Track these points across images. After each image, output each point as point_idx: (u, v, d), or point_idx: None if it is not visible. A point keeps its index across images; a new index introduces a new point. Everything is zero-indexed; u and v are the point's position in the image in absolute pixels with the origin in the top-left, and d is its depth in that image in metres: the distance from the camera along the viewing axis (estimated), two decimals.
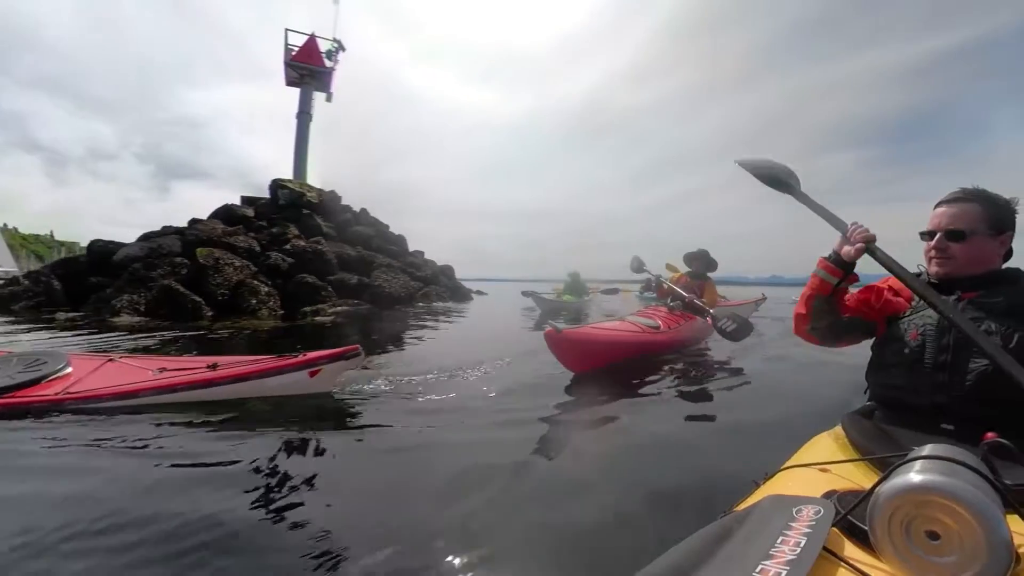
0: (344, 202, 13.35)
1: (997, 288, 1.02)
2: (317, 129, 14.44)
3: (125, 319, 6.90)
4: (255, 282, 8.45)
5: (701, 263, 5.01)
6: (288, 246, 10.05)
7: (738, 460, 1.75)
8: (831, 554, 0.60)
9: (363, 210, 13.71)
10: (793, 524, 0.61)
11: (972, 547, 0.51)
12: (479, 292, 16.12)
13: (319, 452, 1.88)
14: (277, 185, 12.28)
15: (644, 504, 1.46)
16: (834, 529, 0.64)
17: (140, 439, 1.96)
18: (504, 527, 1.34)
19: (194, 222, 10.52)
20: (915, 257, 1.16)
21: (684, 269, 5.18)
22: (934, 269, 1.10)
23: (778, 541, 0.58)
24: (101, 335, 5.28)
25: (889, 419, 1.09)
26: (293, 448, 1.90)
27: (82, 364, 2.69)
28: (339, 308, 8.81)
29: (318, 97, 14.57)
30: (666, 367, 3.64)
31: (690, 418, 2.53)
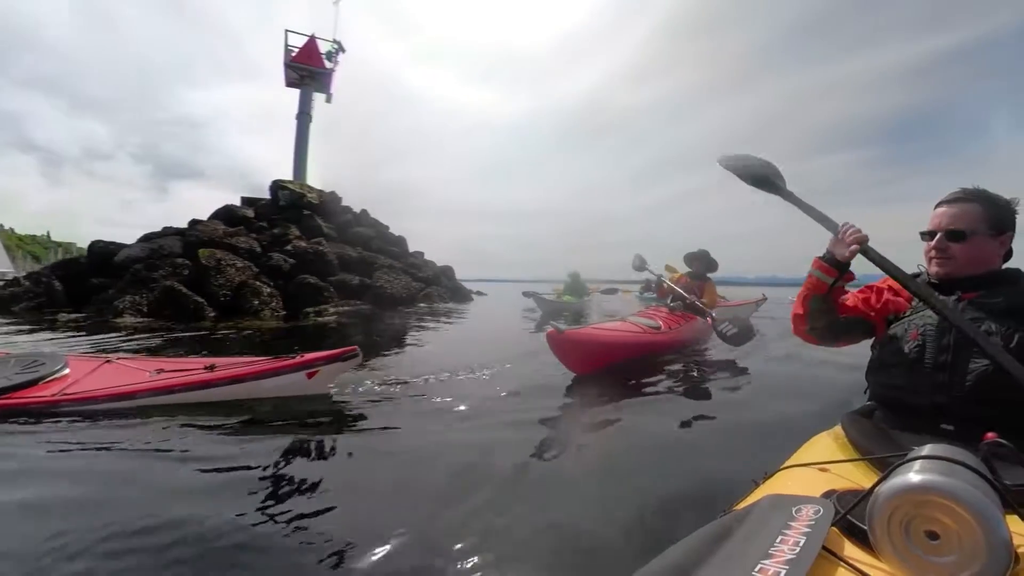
0: (344, 203, 13.36)
1: (997, 289, 1.02)
2: (317, 130, 14.47)
3: (128, 320, 6.90)
4: (257, 283, 8.46)
5: (701, 264, 5.01)
6: (289, 247, 10.05)
7: (738, 459, 1.75)
8: (830, 554, 0.60)
9: (363, 211, 13.72)
10: (792, 523, 0.61)
11: (971, 547, 0.51)
12: (479, 293, 16.12)
13: (316, 454, 1.88)
14: (278, 186, 12.29)
15: (644, 503, 1.46)
16: (833, 529, 0.64)
17: (136, 441, 1.95)
18: (505, 527, 1.34)
19: (195, 223, 10.53)
20: (913, 258, 1.15)
21: (684, 269, 5.18)
22: (934, 269, 1.10)
23: (777, 540, 0.58)
24: (106, 336, 5.27)
25: (889, 419, 1.09)
26: (290, 450, 1.90)
27: (80, 365, 2.69)
28: (342, 308, 8.82)
29: (318, 98, 14.59)
30: (666, 367, 3.64)
31: (690, 418, 2.53)
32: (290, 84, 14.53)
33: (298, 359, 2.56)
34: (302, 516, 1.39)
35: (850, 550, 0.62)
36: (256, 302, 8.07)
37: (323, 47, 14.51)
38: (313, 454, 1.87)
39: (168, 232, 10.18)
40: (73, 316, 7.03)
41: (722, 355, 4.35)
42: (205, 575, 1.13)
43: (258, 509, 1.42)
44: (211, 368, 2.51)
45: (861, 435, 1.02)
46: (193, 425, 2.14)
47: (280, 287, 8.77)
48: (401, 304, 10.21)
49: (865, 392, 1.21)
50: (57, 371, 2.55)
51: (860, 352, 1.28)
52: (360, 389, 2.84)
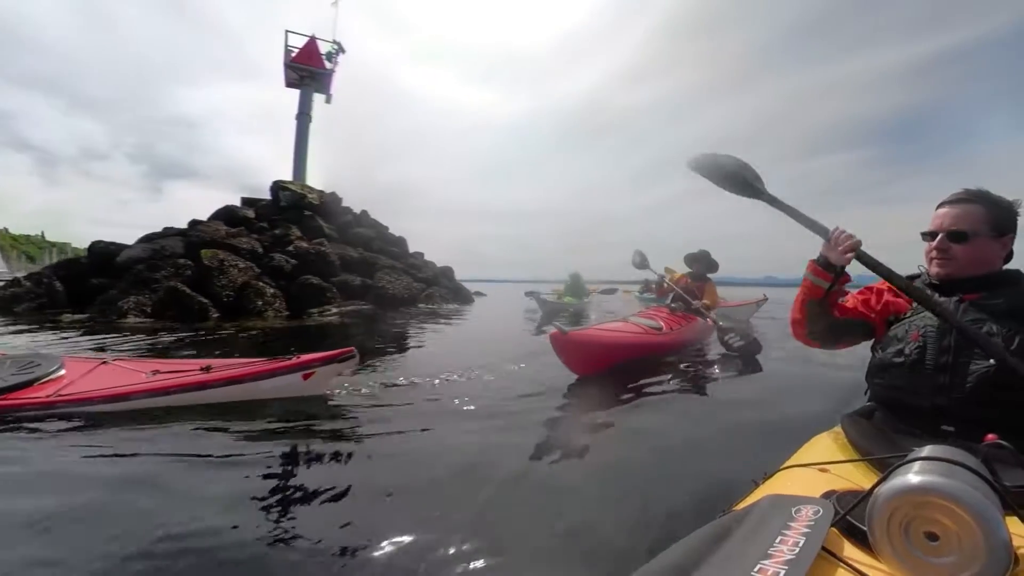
0: (344, 204, 13.37)
1: (998, 290, 1.02)
2: (316, 130, 14.48)
3: (133, 321, 6.91)
4: (260, 283, 8.47)
5: (702, 264, 5.00)
6: (291, 248, 10.05)
7: (737, 460, 1.75)
8: (830, 554, 0.60)
9: (364, 212, 13.72)
10: (792, 524, 0.61)
11: (971, 548, 0.51)
12: (479, 293, 16.12)
13: (313, 456, 1.87)
14: (278, 187, 12.29)
15: (644, 503, 1.46)
16: (833, 529, 0.64)
17: (131, 442, 1.94)
18: (505, 527, 1.34)
19: (195, 223, 10.54)
20: (911, 258, 1.14)
21: (683, 270, 5.16)
22: (935, 270, 1.09)
23: (777, 541, 0.58)
24: (114, 337, 5.26)
25: (889, 420, 1.09)
26: (286, 451, 1.89)
27: (76, 366, 2.68)
28: (346, 308, 8.83)
29: (317, 99, 14.59)
30: (667, 368, 3.64)
31: (690, 418, 2.53)
32: (290, 84, 14.54)
33: (294, 360, 2.54)
34: (299, 518, 1.39)
35: (850, 551, 0.62)
36: (260, 303, 8.08)
37: (323, 48, 14.52)
38: (310, 456, 1.87)
39: (169, 232, 10.19)
40: (77, 317, 7.02)
41: (722, 356, 4.35)
42: None
43: (254, 512, 1.41)
44: (207, 369, 2.49)
45: (861, 436, 1.02)
46: (188, 427, 2.14)
47: (283, 288, 8.77)
48: (403, 305, 10.21)
49: (865, 393, 1.21)
50: (53, 372, 2.54)
51: (860, 353, 1.28)
52: (360, 390, 2.83)
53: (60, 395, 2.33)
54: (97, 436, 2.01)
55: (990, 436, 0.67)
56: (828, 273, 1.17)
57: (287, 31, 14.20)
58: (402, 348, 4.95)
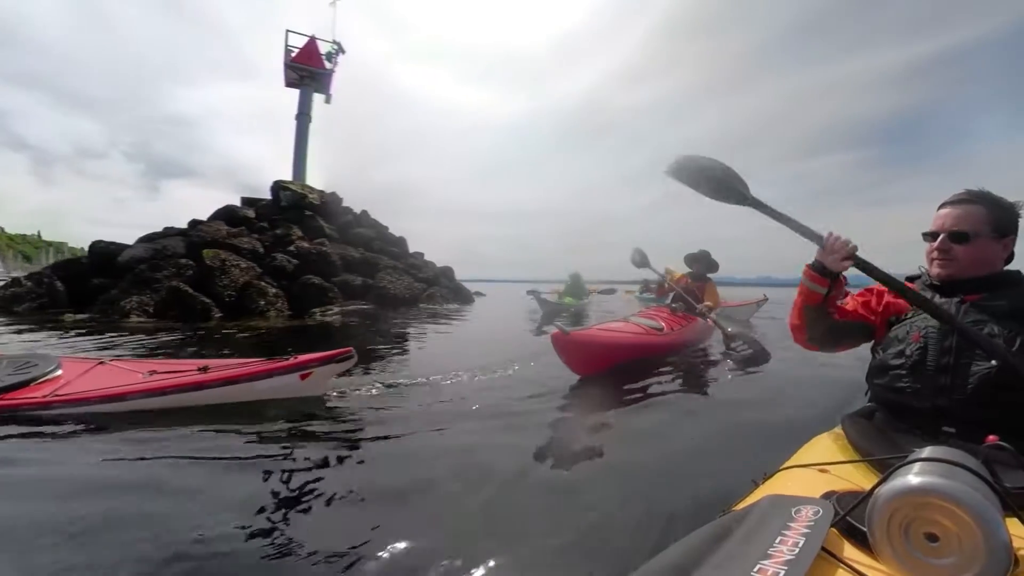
0: (344, 204, 13.38)
1: (1000, 291, 1.02)
2: (315, 130, 14.48)
3: (135, 321, 6.91)
4: (262, 283, 8.48)
5: (702, 264, 4.98)
6: (292, 248, 10.07)
7: (737, 460, 1.75)
8: (829, 555, 0.60)
9: (364, 212, 13.73)
10: (792, 524, 0.61)
11: (971, 549, 0.51)
12: (478, 293, 16.12)
13: (311, 456, 1.86)
14: (279, 186, 12.30)
15: (644, 503, 1.46)
16: (833, 530, 0.64)
17: (127, 443, 1.94)
18: (505, 528, 1.34)
19: (196, 223, 10.55)
20: (909, 259, 1.14)
21: (683, 270, 5.14)
22: (936, 270, 1.09)
23: (776, 541, 0.58)
24: (117, 337, 5.25)
25: (889, 421, 1.08)
26: (284, 453, 1.88)
27: (72, 367, 2.67)
28: (348, 308, 8.85)
29: (316, 99, 14.59)
30: (667, 368, 3.64)
31: (690, 418, 2.52)
32: (290, 84, 14.56)
33: (291, 360, 2.52)
34: (296, 520, 1.38)
35: (849, 551, 0.62)
36: (262, 302, 8.09)
37: (323, 48, 14.53)
38: (308, 457, 1.85)
39: (170, 232, 10.19)
40: (80, 317, 7.01)
41: (722, 356, 4.35)
42: None
43: (251, 513, 1.40)
44: (204, 370, 2.48)
45: (861, 436, 1.02)
46: (185, 427, 2.13)
47: (284, 287, 8.79)
48: (404, 304, 10.22)
49: (866, 394, 1.20)
50: (50, 372, 2.53)
51: (860, 353, 1.28)
52: (361, 391, 2.83)
53: (56, 395, 2.32)
54: (93, 436, 2.00)
55: (991, 437, 0.67)
56: (825, 279, 1.16)
57: (288, 31, 14.22)
58: (404, 348, 4.95)
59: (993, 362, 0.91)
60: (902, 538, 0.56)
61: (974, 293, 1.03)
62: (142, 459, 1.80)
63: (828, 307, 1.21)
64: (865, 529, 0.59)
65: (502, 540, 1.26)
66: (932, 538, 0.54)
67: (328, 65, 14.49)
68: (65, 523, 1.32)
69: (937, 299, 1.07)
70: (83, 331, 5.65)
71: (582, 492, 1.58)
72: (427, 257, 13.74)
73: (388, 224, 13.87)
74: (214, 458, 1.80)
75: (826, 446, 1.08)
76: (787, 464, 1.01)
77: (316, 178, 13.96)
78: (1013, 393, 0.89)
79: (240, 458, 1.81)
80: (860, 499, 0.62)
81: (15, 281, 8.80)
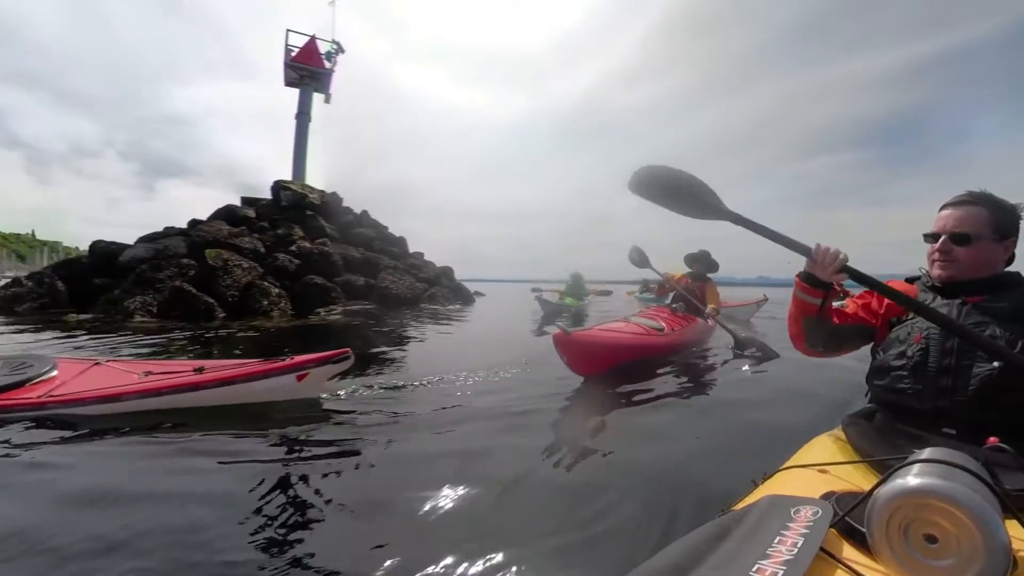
0: (344, 204, 13.39)
1: (1001, 293, 1.01)
2: (314, 130, 14.48)
3: (138, 321, 6.91)
4: (265, 283, 8.50)
5: (702, 264, 4.97)
6: (294, 247, 10.07)
7: (737, 460, 1.75)
8: (828, 555, 0.60)
9: (364, 212, 13.73)
10: (791, 524, 0.62)
11: (970, 551, 0.51)
12: (478, 293, 16.13)
13: (307, 459, 1.85)
14: (279, 186, 12.30)
15: (643, 502, 1.46)
16: (832, 530, 0.64)
17: (120, 444, 1.93)
18: (504, 528, 1.34)
19: (196, 223, 10.55)
20: (908, 259, 1.13)
21: (683, 270, 5.12)
22: (937, 272, 1.09)
23: (775, 541, 0.58)
24: (123, 337, 5.24)
25: (890, 422, 1.08)
26: (279, 454, 1.87)
27: (68, 367, 2.67)
28: (351, 308, 8.87)
29: (316, 98, 14.59)
30: (667, 368, 3.64)
31: (690, 418, 2.52)
32: (289, 84, 14.56)
33: (287, 361, 2.50)
34: (293, 521, 1.38)
35: (848, 552, 0.62)
36: (265, 302, 8.11)
37: (322, 47, 14.54)
38: (305, 458, 1.85)
39: (171, 232, 10.20)
40: (83, 317, 7.01)
41: (722, 356, 4.35)
42: None
43: (246, 516, 1.39)
44: (200, 370, 2.47)
45: (861, 437, 1.02)
46: (179, 428, 2.12)
47: (287, 288, 8.80)
48: (406, 304, 10.21)
49: (866, 395, 1.20)
50: (45, 373, 2.53)
51: (861, 354, 1.27)
52: (360, 392, 2.83)
53: (51, 396, 2.31)
54: (87, 437, 1.99)
55: (991, 439, 0.67)
56: (818, 291, 1.15)
57: (288, 30, 14.23)
58: (406, 349, 4.94)
59: (995, 364, 0.91)
60: (901, 539, 0.56)
61: (975, 295, 1.03)
62: (136, 460, 1.80)
63: (825, 315, 1.20)
64: (864, 530, 0.59)
65: (502, 540, 1.26)
66: (931, 539, 0.54)
67: (328, 65, 14.50)
68: (56, 524, 1.31)
69: (938, 301, 1.07)
70: (88, 332, 5.65)
71: (582, 492, 1.58)
72: (427, 257, 13.75)
73: (388, 224, 13.89)
74: (208, 460, 1.79)
75: (826, 447, 1.08)
76: (787, 464, 1.01)
77: (316, 178, 13.98)
78: (1014, 394, 0.89)
79: (235, 460, 1.80)
80: (859, 500, 0.62)
81: (16, 281, 8.81)
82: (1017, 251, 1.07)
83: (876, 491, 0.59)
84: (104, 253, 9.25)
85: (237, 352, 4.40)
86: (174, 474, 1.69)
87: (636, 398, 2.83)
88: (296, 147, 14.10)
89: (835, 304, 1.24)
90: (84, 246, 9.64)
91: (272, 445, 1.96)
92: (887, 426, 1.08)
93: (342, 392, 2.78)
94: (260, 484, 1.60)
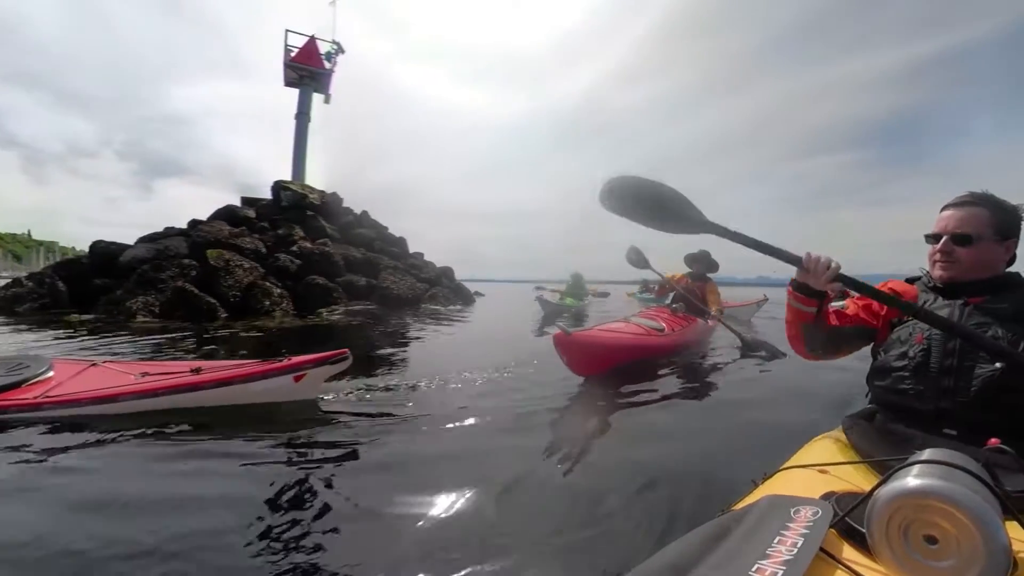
0: (344, 204, 13.39)
1: (1002, 294, 1.01)
2: (314, 130, 14.48)
3: (141, 321, 6.91)
4: (266, 284, 8.50)
5: (702, 264, 4.96)
6: (295, 248, 10.08)
7: (737, 460, 1.75)
8: (828, 555, 0.60)
9: (364, 212, 13.74)
10: (790, 524, 0.61)
11: (970, 552, 0.51)
12: (478, 293, 16.14)
13: (307, 460, 1.85)
14: (280, 186, 12.30)
15: (643, 502, 1.46)
16: (831, 531, 0.64)
17: (117, 444, 1.93)
18: (505, 526, 1.34)
19: (196, 223, 10.55)
20: (907, 259, 1.12)
21: (683, 271, 5.10)
22: (938, 273, 1.09)
23: (775, 541, 0.58)
24: (126, 337, 5.24)
25: (890, 422, 1.08)
26: (277, 457, 1.87)
27: (65, 368, 2.66)
28: (353, 308, 8.87)
29: (316, 98, 14.59)
30: (668, 368, 3.64)
31: (690, 418, 2.52)
32: (289, 84, 14.56)
33: (285, 362, 2.48)
34: (291, 523, 1.37)
35: (848, 552, 0.62)
36: (267, 302, 8.12)
37: (322, 47, 14.53)
38: (303, 461, 1.84)
39: (171, 232, 10.21)
40: (85, 317, 7.00)
41: (722, 356, 4.35)
42: None
43: (241, 517, 1.38)
44: (197, 371, 2.46)
45: (862, 438, 1.02)
46: (176, 429, 2.11)
47: (289, 288, 8.80)
48: (407, 305, 10.22)
49: (867, 395, 1.20)
50: (41, 374, 2.53)
51: (861, 354, 1.27)
52: (360, 393, 2.83)
53: (48, 396, 2.31)
54: (83, 438, 1.99)
55: (992, 440, 0.67)
56: (812, 299, 1.14)
57: (287, 31, 14.23)
58: (407, 349, 4.94)
59: (997, 365, 0.90)
60: (901, 540, 0.56)
61: (977, 296, 1.03)
62: (133, 461, 1.80)
63: (823, 321, 1.19)
64: (864, 530, 0.59)
65: (503, 540, 1.26)
66: (931, 540, 0.54)
67: (327, 65, 14.49)
68: (52, 525, 1.32)
69: (940, 301, 1.07)
70: (91, 332, 5.65)
71: (582, 492, 1.58)
72: (427, 257, 13.75)
73: (388, 224, 13.89)
74: (205, 462, 1.79)
75: (826, 447, 1.08)
76: (787, 464, 1.00)
77: (316, 178, 13.99)
78: (1016, 395, 0.89)
79: (233, 462, 1.80)
80: (860, 500, 0.62)
81: (16, 281, 8.82)
82: (1018, 252, 1.06)
83: (876, 492, 0.58)
84: (104, 253, 9.25)
85: (242, 352, 4.40)
86: (171, 476, 1.68)
87: (636, 398, 2.83)
88: (296, 147, 14.10)
89: (836, 305, 1.24)
90: (80, 246, 9.67)
91: (270, 447, 1.96)
92: (887, 427, 1.07)
93: (343, 392, 2.77)
94: (259, 486, 1.60)
